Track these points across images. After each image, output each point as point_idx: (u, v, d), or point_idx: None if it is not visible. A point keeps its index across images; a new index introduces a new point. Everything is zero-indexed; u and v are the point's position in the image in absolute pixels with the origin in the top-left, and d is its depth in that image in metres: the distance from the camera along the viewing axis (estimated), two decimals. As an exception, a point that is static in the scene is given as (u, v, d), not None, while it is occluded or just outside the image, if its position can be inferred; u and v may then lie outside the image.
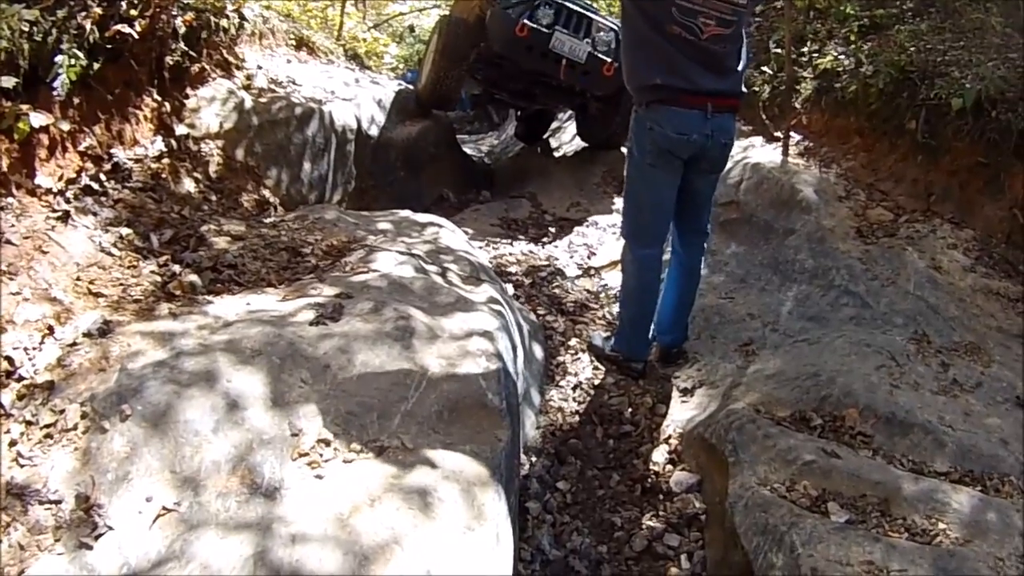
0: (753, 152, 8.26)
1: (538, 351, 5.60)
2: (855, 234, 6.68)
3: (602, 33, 9.24)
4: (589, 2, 11.11)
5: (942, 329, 5.51)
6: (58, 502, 2.78)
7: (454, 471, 3.21)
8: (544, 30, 8.94)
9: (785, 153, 8.00)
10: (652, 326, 5.54)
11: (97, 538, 2.68)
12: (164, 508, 2.80)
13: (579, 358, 5.79)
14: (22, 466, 2.94)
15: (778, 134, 8.34)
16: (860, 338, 5.32)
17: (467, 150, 13.17)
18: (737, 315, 5.99)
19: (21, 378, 3.34)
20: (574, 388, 5.45)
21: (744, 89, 5.24)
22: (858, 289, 6.00)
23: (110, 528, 2.70)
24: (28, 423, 3.12)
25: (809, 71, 8.51)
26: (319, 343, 3.75)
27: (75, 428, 3.07)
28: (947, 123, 6.81)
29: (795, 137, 8.22)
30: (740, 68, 5.13)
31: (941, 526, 3.59)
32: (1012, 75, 6.71)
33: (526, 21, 8.86)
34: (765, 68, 9.18)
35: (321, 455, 3.17)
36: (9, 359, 3.39)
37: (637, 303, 5.46)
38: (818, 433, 4.33)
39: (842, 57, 8.22)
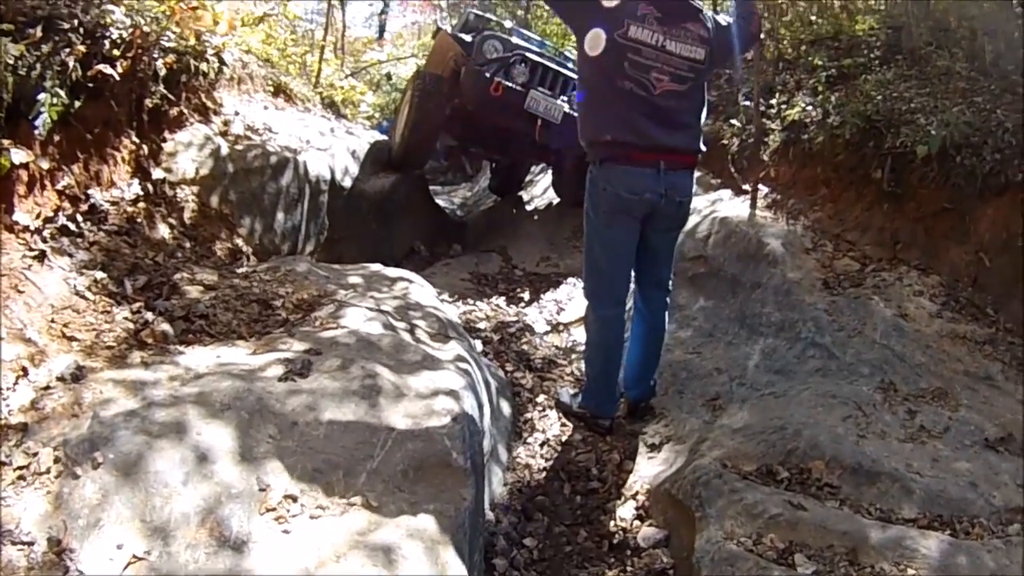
0: (721, 206, 8.37)
1: (506, 408, 5.66)
2: (822, 286, 6.77)
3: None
4: (562, 57, 11.22)
5: (909, 376, 5.58)
6: (30, 544, 2.80)
7: (418, 529, 3.26)
8: (519, 89, 9.02)
9: (753, 206, 8.09)
10: (618, 382, 5.59)
11: (68, 583, 2.71)
12: (134, 556, 2.82)
13: (547, 415, 5.83)
14: (-5, 506, 2.97)
15: (746, 187, 8.46)
16: (826, 389, 5.38)
17: (440, 202, 13.25)
18: (704, 369, 6.06)
19: (-6, 419, 3.37)
20: (542, 445, 5.50)
21: (702, 146, 5.27)
22: (824, 340, 6.05)
23: (81, 573, 2.73)
24: (1, 464, 3.14)
25: (777, 123, 8.61)
26: (287, 399, 3.79)
27: (48, 472, 3.10)
28: (912, 170, 6.99)
29: (763, 189, 8.33)
30: (696, 124, 5.15)
31: (911, 572, 3.64)
32: (976, 120, 6.87)
33: (501, 80, 8.94)
34: (734, 121, 9.30)
35: (288, 510, 3.20)
36: (-19, 399, 3.43)
37: (601, 362, 5.49)
38: (785, 486, 4.37)
39: (810, 108, 8.35)
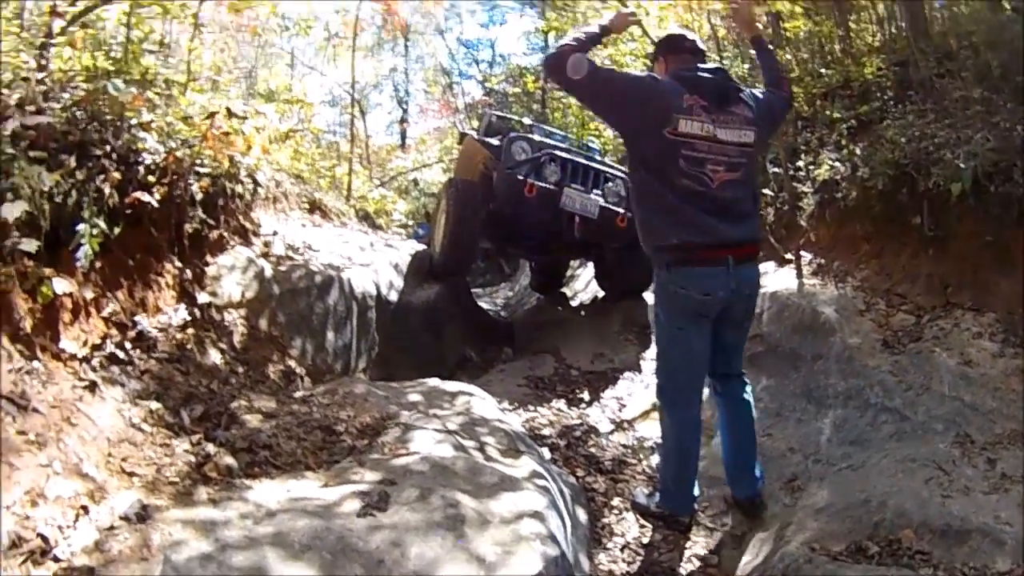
0: (767, 280, 8.17)
1: (582, 515, 5.44)
2: (882, 346, 6.72)
3: (611, 183, 9.38)
4: (586, 149, 11.17)
5: (983, 425, 5.54)
6: None
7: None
8: (553, 188, 9.01)
9: (799, 275, 8.05)
10: (696, 482, 5.38)
11: None
12: None
13: (624, 517, 5.62)
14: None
15: (789, 256, 8.41)
16: (904, 453, 5.33)
17: (483, 304, 13.31)
18: (778, 451, 5.94)
19: (57, 559, 3.17)
20: (622, 549, 5.28)
21: (759, 233, 5.18)
22: (894, 403, 6.02)
23: None
24: None
25: (808, 184, 8.59)
26: (369, 536, 3.60)
27: None
28: (949, 209, 6.91)
29: (806, 256, 8.30)
30: (755, 210, 5.06)
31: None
32: (1000, 143, 6.77)
33: (534, 181, 8.92)
34: (766, 190, 9.18)
35: None
36: (43, 536, 3.23)
37: (678, 464, 5.28)
38: (876, 561, 4.25)
39: (837, 164, 8.33)
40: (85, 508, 3.50)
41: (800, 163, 8.87)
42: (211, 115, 6.11)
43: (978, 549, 4.12)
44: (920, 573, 4.06)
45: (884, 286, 7.41)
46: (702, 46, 5.23)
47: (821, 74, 10.49)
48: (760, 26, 5.73)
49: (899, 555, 4.24)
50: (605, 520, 5.58)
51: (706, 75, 4.76)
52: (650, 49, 5.06)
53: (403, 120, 37.69)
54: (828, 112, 9.45)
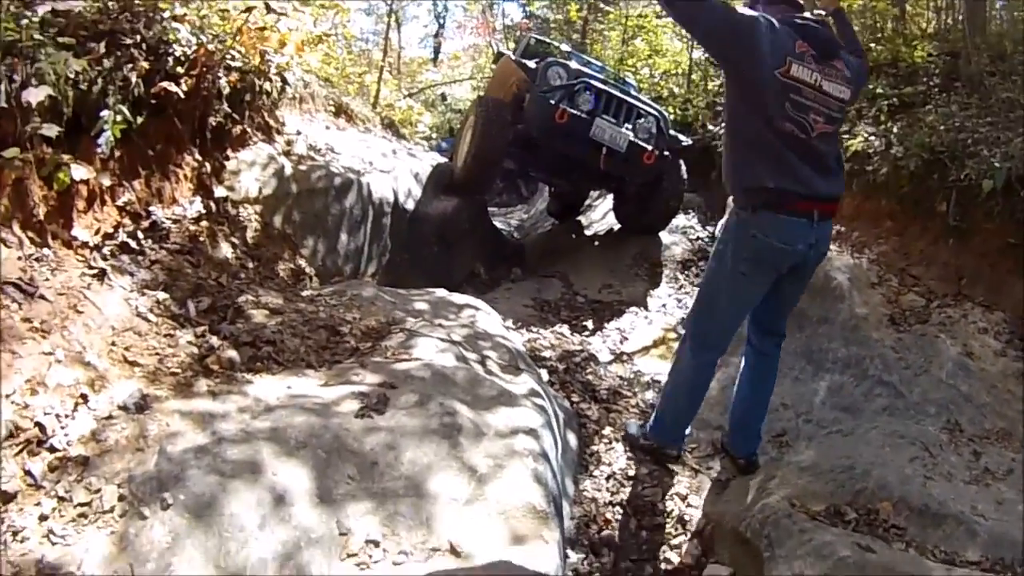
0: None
1: (572, 440, 5.48)
2: (888, 322, 6.79)
3: (643, 120, 9.16)
4: (622, 83, 11.02)
5: (974, 417, 5.64)
6: (93, 587, 2.64)
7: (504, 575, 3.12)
8: (585, 116, 8.86)
9: None
10: (691, 426, 5.45)
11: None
12: (208, 605, 2.65)
13: (613, 447, 5.65)
14: (54, 544, 2.83)
15: None
16: (894, 429, 5.39)
17: (497, 223, 13.17)
18: (771, 405, 5.75)
19: (53, 448, 3.23)
20: (608, 478, 5.31)
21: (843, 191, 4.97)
22: (892, 379, 6.09)
23: (149, 621, 2.55)
24: (61, 499, 3.01)
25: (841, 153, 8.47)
26: (365, 437, 3.63)
27: (112, 511, 2.96)
28: (977, 204, 6.92)
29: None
30: (841, 168, 4.80)
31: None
32: None
33: (566, 107, 8.78)
34: None
35: (370, 556, 3.07)
36: (40, 425, 3.27)
37: (687, 402, 5.22)
38: (853, 527, 4.31)
39: (872, 138, 8.30)
40: (84, 397, 3.54)
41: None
42: (248, 9, 6.08)
43: (951, 535, 4.19)
44: (893, 547, 4.12)
45: (900, 264, 7.47)
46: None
47: (870, 48, 10.36)
48: None
49: (875, 525, 4.31)
50: (594, 448, 5.63)
51: (815, 24, 4.58)
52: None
53: (438, 35, 37.26)
54: (871, 87, 9.36)
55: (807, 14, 4.71)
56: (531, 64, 9.70)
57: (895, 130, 8.14)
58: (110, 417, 3.46)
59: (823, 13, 4.94)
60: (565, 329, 7.85)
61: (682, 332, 5.57)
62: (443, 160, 11.61)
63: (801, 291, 5.17)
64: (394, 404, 3.98)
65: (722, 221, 5.12)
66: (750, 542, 4.30)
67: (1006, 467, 4.98)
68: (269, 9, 6.18)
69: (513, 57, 10.89)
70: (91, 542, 2.81)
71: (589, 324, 8.14)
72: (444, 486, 3.46)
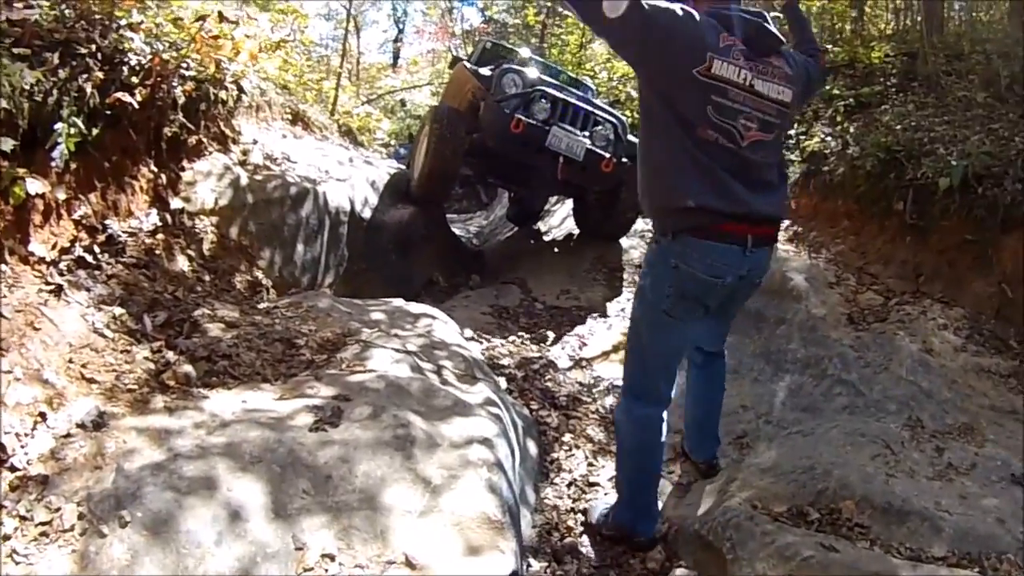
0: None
1: (532, 448, 5.52)
2: (846, 321, 6.83)
3: (600, 127, 9.14)
4: (581, 87, 11.07)
5: (935, 413, 5.64)
6: (55, 606, 2.66)
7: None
8: (541, 125, 8.82)
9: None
10: (658, 495, 4.75)
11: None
12: (168, 622, 2.70)
13: (573, 454, 5.69)
14: (17, 563, 2.85)
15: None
16: (855, 427, 5.36)
17: (456, 230, 13.19)
18: (730, 407, 5.88)
19: (14, 468, 3.25)
20: (569, 485, 5.35)
21: (786, 211, 4.52)
22: (851, 377, 6.11)
23: (112, 639, 2.60)
24: (22, 518, 3.02)
25: (797, 154, 8.65)
26: (319, 451, 3.66)
27: (72, 529, 2.98)
28: (934, 202, 7.03)
29: (784, 222, 8.18)
30: (783, 183, 4.25)
31: (942, 611, 3.60)
32: (996, 148, 6.91)
33: (521, 116, 8.75)
34: None
35: (326, 570, 3.10)
36: (1, 445, 3.29)
37: (637, 468, 4.59)
38: (816, 527, 4.31)
39: (829, 139, 8.44)
40: (43, 415, 3.56)
41: (792, 132, 8.89)
42: (202, 17, 6.10)
43: (916, 531, 4.20)
44: (857, 545, 4.13)
45: (857, 264, 7.56)
46: None
47: (827, 50, 10.48)
48: None
49: (838, 525, 4.32)
50: (555, 455, 5.66)
51: (748, 16, 3.92)
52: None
53: (397, 40, 37.43)
54: (828, 88, 9.46)
55: (743, 4, 4.07)
56: (486, 72, 9.76)
57: (852, 130, 8.29)
58: (68, 435, 3.49)
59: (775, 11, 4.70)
60: (524, 336, 7.87)
61: None
62: (400, 167, 11.64)
63: (736, 310, 4.80)
64: (348, 417, 4.00)
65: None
66: (713, 545, 4.33)
67: (969, 462, 5.01)
68: (223, 18, 6.20)
69: (468, 64, 10.92)
70: (53, 561, 2.84)
71: (548, 330, 8.15)
72: (398, 498, 3.50)
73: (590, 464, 5.61)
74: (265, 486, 3.35)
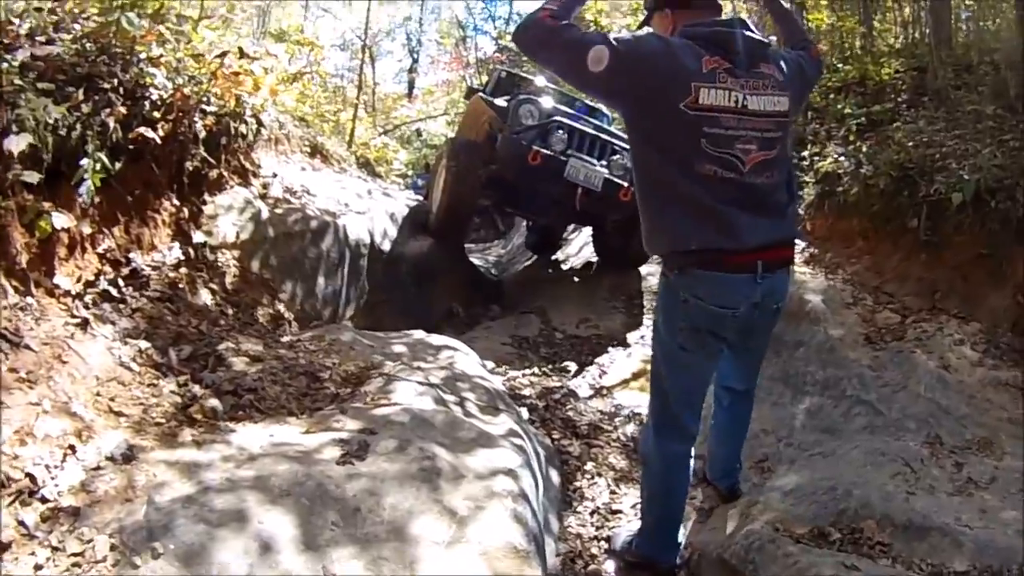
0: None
1: (555, 477, 5.51)
2: (864, 341, 6.80)
3: (617, 156, 9.13)
4: (598, 115, 11.10)
5: (954, 428, 5.62)
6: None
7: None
8: (558, 156, 8.81)
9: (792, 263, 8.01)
10: (682, 524, 4.62)
11: None
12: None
13: (596, 482, 5.67)
14: (50, 594, 2.86)
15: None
16: (875, 447, 5.36)
17: (474, 260, 13.19)
18: (751, 431, 5.69)
19: (45, 499, 3.27)
20: (592, 513, 5.32)
21: (799, 230, 4.48)
22: (870, 397, 6.08)
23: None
24: (54, 548, 3.04)
25: (811, 175, 8.65)
26: (347, 484, 3.69)
27: (104, 560, 2.99)
28: (948, 218, 7.01)
29: (800, 244, 8.29)
30: (791, 200, 4.00)
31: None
32: (1007, 161, 6.90)
33: (539, 148, 8.74)
34: None
35: None
36: (31, 476, 3.32)
37: (663, 505, 4.45)
38: (837, 547, 4.28)
39: (842, 159, 8.38)
40: (72, 448, 3.59)
41: (805, 153, 8.90)
42: (223, 54, 6.16)
43: (937, 547, 4.17)
44: (879, 563, 4.11)
45: (873, 283, 7.55)
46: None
47: (838, 68, 10.46)
48: None
49: (860, 544, 4.30)
50: (577, 483, 5.64)
51: (726, 28, 3.68)
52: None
53: (412, 70, 37.60)
54: (840, 107, 9.45)
55: (721, 17, 3.89)
56: (502, 102, 9.75)
57: (864, 149, 8.26)
58: (98, 468, 3.52)
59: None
60: (544, 366, 7.89)
61: None
62: (419, 199, 11.69)
63: (764, 347, 4.60)
64: (374, 450, 4.03)
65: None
66: (736, 569, 4.31)
67: (989, 475, 5.00)
68: (243, 54, 6.26)
69: (484, 95, 10.92)
70: (85, 593, 2.85)
71: (568, 360, 8.14)
72: (426, 529, 3.51)
73: (612, 492, 5.59)
74: (295, 518, 3.37)
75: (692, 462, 4.42)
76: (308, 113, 12.07)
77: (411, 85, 36.24)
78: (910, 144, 7.79)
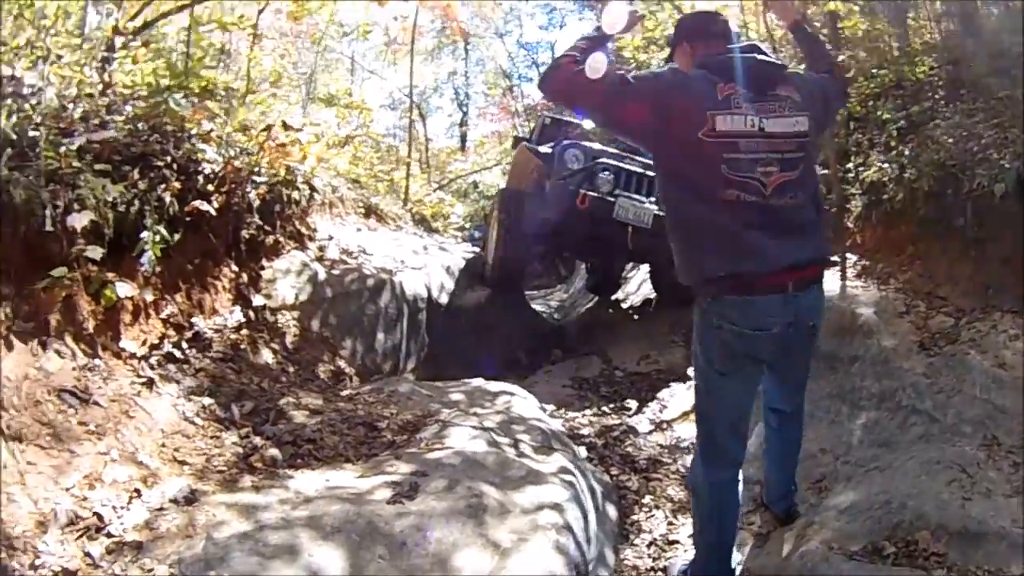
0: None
1: (612, 511, 5.54)
2: (918, 348, 6.62)
3: None
4: (645, 155, 11.21)
5: (1011, 428, 5.43)
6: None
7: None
8: (606, 198, 8.86)
9: (843, 278, 7.98)
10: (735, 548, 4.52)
11: None
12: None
13: (653, 515, 5.69)
14: (112, 617, 3.05)
15: (835, 258, 8.23)
16: (930, 455, 5.23)
17: (536, 306, 13.26)
18: (808, 452, 5.71)
19: (110, 534, 3.49)
20: (649, 545, 5.34)
21: (828, 247, 4.44)
22: (925, 406, 5.91)
23: None
24: None
25: (857, 187, 8.53)
26: (396, 520, 3.82)
27: None
28: (992, 210, 6.80)
29: (851, 258, 8.23)
30: (817, 217, 3.96)
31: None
32: None
33: (586, 191, 8.79)
34: None
35: None
36: (98, 515, 3.56)
37: (716, 531, 4.37)
38: (892, 561, 4.22)
39: (886, 166, 8.19)
40: (138, 491, 3.83)
41: (850, 165, 8.81)
42: (267, 128, 6.41)
43: (994, 552, 4.09)
44: (934, 574, 4.06)
45: (926, 288, 7.36)
46: (735, 30, 4.20)
47: (874, 74, 10.36)
48: (799, 8, 4.87)
49: (914, 556, 4.23)
50: (635, 517, 5.67)
51: (741, 55, 3.75)
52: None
53: (463, 123, 37.55)
54: (879, 113, 9.31)
55: (735, 44, 3.89)
56: (546, 149, 9.84)
57: (906, 153, 8.09)
58: (161, 509, 3.74)
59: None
60: (604, 405, 7.95)
61: None
62: (476, 250, 11.79)
63: (806, 366, 4.50)
64: (424, 490, 4.17)
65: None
66: (791, 591, 4.29)
67: None
68: (287, 127, 6.50)
69: (528, 144, 11.03)
70: (144, 618, 3.04)
71: (628, 398, 8.17)
72: (468, 561, 3.65)
73: (670, 523, 5.61)
74: (344, 552, 3.53)
75: (741, 487, 4.38)
76: (361, 175, 12.23)
77: (463, 138, 36.20)
78: (949, 140, 7.60)
